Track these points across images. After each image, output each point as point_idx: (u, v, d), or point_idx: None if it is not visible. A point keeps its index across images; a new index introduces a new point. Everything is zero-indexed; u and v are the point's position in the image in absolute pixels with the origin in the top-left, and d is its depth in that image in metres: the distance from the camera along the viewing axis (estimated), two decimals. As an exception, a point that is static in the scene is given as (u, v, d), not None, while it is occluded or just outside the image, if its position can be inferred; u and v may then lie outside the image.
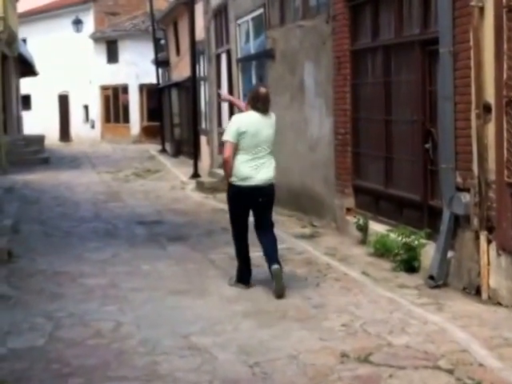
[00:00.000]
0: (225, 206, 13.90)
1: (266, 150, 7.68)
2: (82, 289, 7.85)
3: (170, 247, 10.30)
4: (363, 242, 9.69)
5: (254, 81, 15.35)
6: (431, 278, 7.62)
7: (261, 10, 14.15)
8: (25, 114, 39.90)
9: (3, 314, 6.92)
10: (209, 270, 8.76)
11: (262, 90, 7.86)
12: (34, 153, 25.92)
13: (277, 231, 11.19)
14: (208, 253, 9.74)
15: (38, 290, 7.80)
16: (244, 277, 7.89)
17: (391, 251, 8.61)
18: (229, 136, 7.61)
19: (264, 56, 14.13)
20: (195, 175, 18.98)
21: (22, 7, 41.40)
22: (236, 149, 7.59)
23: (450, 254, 7.61)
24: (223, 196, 15.20)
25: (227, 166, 7.64)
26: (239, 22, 15.83)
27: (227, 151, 7.58)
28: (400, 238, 8.38)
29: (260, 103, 7.70)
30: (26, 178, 20.11)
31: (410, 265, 8.24)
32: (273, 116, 7.87)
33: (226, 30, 17.24)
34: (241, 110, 8.42)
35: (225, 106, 17.78)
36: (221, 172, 16.43)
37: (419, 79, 8.61)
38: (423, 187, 8.59)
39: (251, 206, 7.84)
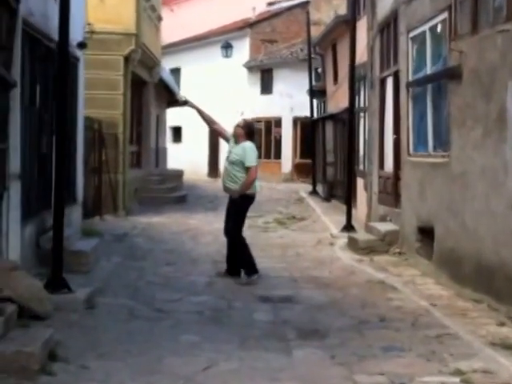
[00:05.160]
0: (385, 277, 10.58)
1: None
2: None
3: (297, 351, 6.79)
4: None
5: (428, 112, 11.59)
6: None
7: (444, 15, 10.47)
8: (176, 147, 37.84)
9: None
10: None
11: (256, 126, 9.65)
12: (168, 190, 23.12)
13: (461, 332, 7.60)
14: (356, 369, 6.21)
15: None
16: (255, 266, 10.16)
17: None
18: (256, 161, 10.13)
19: (445, 76, 10.41)
20: (348, 227, 15.32)
21: (178, 36, 39.73)
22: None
23: None
24: (383, 260, 12.00)
25: (252, 185, 10.08)
26: (412, 34, 12.14)
27: (256, 173, 10.07)
28: None
29: (254, 136, 10.40)
30: (150, 221, 17.24)
31: None
32: None
33: (394, 48, 13.64)
34: (221, 135, 11.30)
35: (389, 145, 14.12)
36: (381, 228, 13.11)
37: None
38: None
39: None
